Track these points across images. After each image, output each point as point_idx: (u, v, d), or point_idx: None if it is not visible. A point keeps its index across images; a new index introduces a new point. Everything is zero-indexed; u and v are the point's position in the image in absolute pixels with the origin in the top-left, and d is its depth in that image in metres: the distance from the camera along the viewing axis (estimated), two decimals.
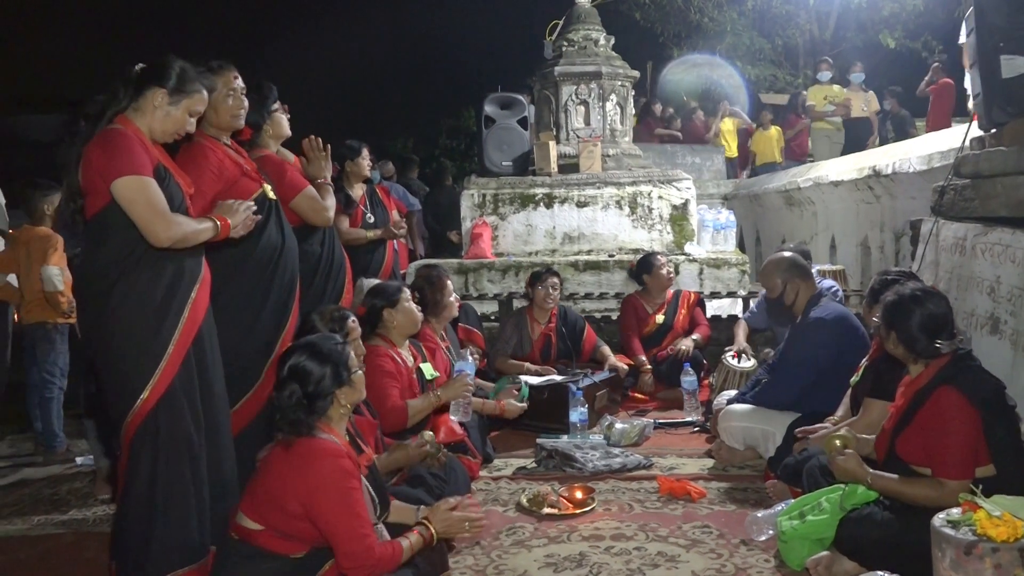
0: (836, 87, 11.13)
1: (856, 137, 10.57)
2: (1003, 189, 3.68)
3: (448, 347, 4.69)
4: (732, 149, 12.39)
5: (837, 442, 2.88)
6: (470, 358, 4.07)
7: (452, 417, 3.93)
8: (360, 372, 2.64)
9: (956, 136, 4.74)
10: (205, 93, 2.85)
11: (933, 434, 2.68)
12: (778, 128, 11.78)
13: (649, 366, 5.62)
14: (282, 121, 3.91)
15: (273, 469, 2.41)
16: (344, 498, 2.36)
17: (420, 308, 4.54)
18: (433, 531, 2.64)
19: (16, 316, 5.17)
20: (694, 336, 5.66)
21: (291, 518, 2.37)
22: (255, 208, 2.96)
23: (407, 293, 3.98)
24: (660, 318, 5.82)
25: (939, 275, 4.10)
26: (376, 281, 4.64)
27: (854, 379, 3.57)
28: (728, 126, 12.48)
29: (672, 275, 5.89)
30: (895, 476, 2.76)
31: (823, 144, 11.02)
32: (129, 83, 2.73)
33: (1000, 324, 3.54)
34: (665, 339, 5.77)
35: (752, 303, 5.99)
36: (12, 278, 4.98)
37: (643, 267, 5.88)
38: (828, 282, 5.06)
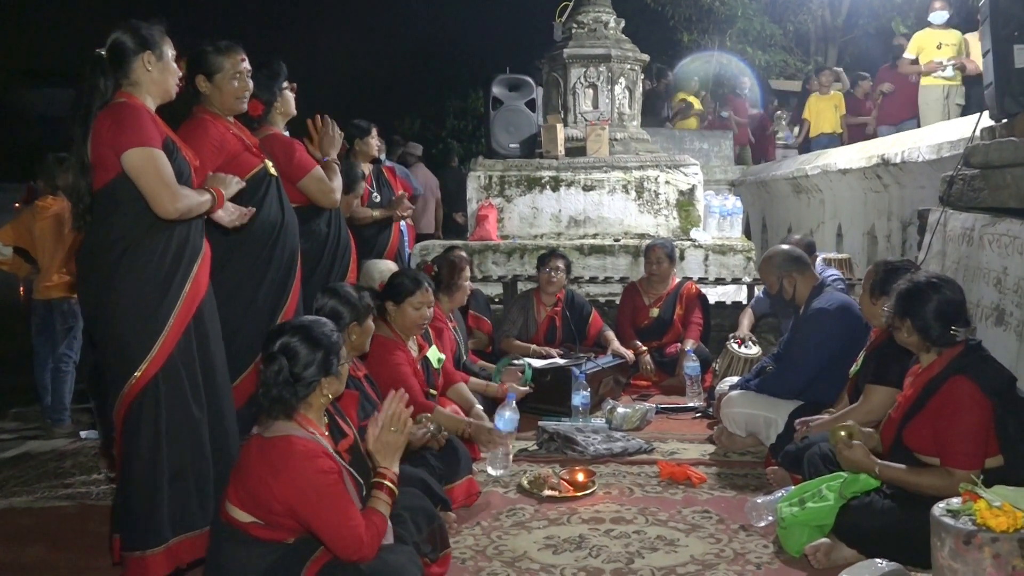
0: (954, 32, 8.03)
1: (980, 101, 7.37)
2: (1013, 180, 3.66)
3: (455, 327, 4.71)
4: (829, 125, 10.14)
5: (843, 433, 2.87)
6: (507, 412, 3.79)
7: (489, 469, 3.82)
8: (347, 364, 2.57)
9: (966, 125, 4.71)
10: (166, 34, 2.82)
11: (944, 423, 2.68)
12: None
13: (645, 348, 5.61)
14: (291, 99, 3.92)
15: (252, 469, 2.36)
16: (326, 497, 2.30)
17: (435, 285, 4.59)
18: (386, 482, 2.48)
19: (21, 290, 5.18)
20: (688, 342, 5.51)
21: (275, 515, 2.34)
22: (245, 185, 2.99)
23: (418, 297, 3.81)
24: (655, 312, 5.78)
25: (946, 265, 4.09)
26: (387, 263, 4.64)
27: (854, 369, 3.57)
28: (834, 100, 10.25)
29: (664, 268, 5.77)
30: (902, 466, 2.76)
31: (934, 106, 8.02)
32: (106, 70, 2.70)
33: (1006, 315, 3.53)
34: (666, 334, 5.74)
35: (757, 290, 5.98)
36: (8, 250, 4.97)
37: (644, 255, 5.90)
38: (831, 272, 5.05)
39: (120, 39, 2.72)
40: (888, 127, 8.77)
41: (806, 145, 10.11)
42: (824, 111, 10.00)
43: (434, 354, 4.03)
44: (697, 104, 12.51)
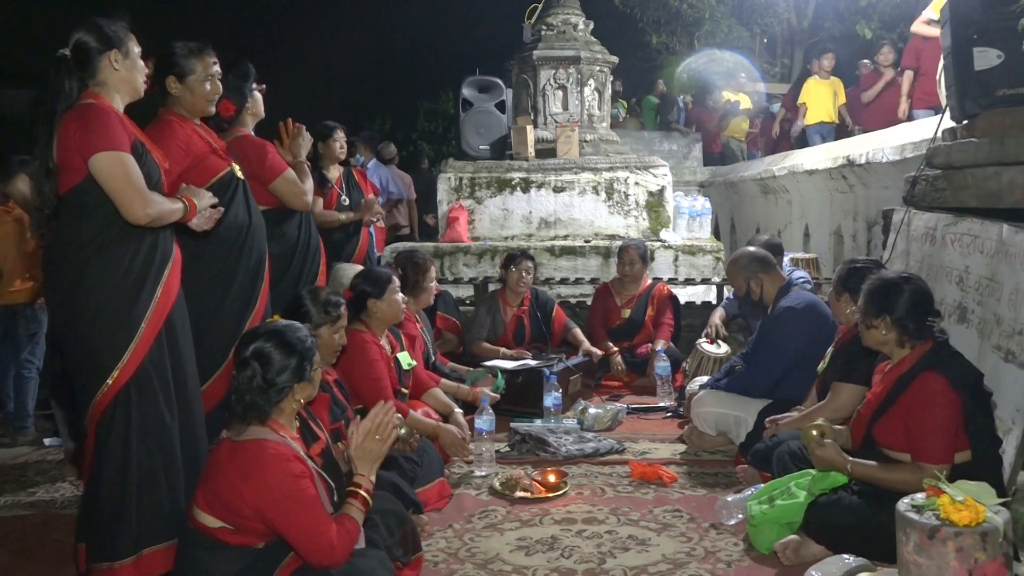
0: None
1: None
2: (973, 180, 3.72)
3: (423, 328, 4.69)
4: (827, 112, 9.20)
5: (815, 432, 2.89)
6: (484, 415, 3.98)
7: (476, 470, 3.94)
8: (319, 370, 2.57)
9: (929, 127, 4.79)
10: (130, 31, 2.75)
11: (915, 419, 2.71)
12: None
13: (616, 349, 5.64)
14: (260, 100, 3.91)
15: (222, 472, 2.34)
16: (296, 501, 2.29)
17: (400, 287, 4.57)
18: (361, 492, 2.48)
19: None
20: (659, 342, 5.53)
21: (245, 519, 2.32)
22: (217, 201, 2.93)
23: (396, 284, 3.90)
24: (627, 313, 5.80)
25: (910, 264, 4.15)
26: (356, 267, 4.61)
27: (821, 366, 3.61)
28: (834, 86, 9.33)
29: (637, 269, 5.80)
30: (874, 463, 2.80)
31: None
32: (71, 71, 2.63)
33: (968, 313, 3.59)
34: (637, 335, 5.76)
35: (727, 290, 6.03)
36: None
37: (617, 255, 5.92)
38: (799, 272, 5.11)
39: (83, 39, 2.64)
40: (925, 111, 7.44)
41: (802, 134, 9.38)
42: (822, 97, 9.17)
43: (405, 358, 4.03)
44: (746, 102, 11.72)
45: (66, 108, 2.61)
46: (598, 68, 8.19)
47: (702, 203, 8.00)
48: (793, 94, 10.27)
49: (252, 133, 3.89)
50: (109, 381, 2.60)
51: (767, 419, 3.71)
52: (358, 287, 3.83)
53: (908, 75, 7.80)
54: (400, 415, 3.53)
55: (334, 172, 5.19)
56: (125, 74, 2.70)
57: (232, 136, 3.69)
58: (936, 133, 4.23)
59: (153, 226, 2.66)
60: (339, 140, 5.15)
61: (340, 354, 3.39)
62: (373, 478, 2.53)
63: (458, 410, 4.15)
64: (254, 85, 3.85)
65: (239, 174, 3.34)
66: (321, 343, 3.14)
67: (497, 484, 3.69)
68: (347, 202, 5.11)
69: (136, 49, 2.74)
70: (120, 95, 2.72)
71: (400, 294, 3.93)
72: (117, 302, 2.62)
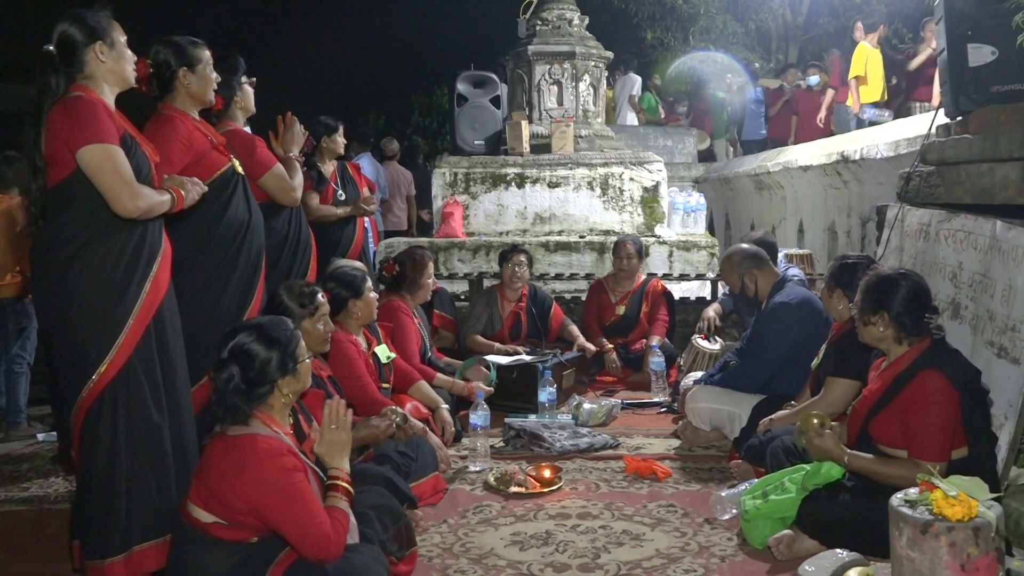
0: None
1: None
2: (967, 176, 3.74)
3: (420, 323, 4.70)
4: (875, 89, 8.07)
5: (815, 420, 2.85)
6: (479, 410, 3.95)
7: (471, 466, 3.92)
8: (308, 361, 2.54)
9: (923, 123, 4.80)
10: (113, 20, 2.72)
11: (913, 416, 2.71)
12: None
13: (611, 346, 5.64)
14: (250, 94, 3.89)
15: (214, 467, 2.33)
16: (289, 496, 2.29)
17: (398, 283, 4.59)
18: (340, 483, 2.47)
19: None
20: (654, 338, 5.55)
21: (238, 514, 2.31)
22: (207, 190, 2.91)
23: (370, 282, 3.93)
24: (621, 309, 5.81)
25: (903, 260, 4.16)
26: (355, 263, 4.61)
27: (815, 362, 3.62)
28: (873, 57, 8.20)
29: (633, 264, 5.80)
30: (871, 456, 2.80)
31: None
32: (56, 67, 2.59)
33: (961, 309, 3.61)
34: (632, 332, 5.76)
35: (721, 286, 6.04)
36: None
37: (613, 251, 5.92)
38: (794, 270, 5.11)
39: (68, 32, 2.60)
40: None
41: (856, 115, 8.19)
42: (875, 69, 8.02)
43: (383, 351, 4.04)
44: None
45: (53, 103, 2.57)
46: (593, 63, 8.19)
47: (697, 199, 8.00)
48: (842, 72, 9.10)
49: (243, 127, 3.88)
50: (95, 378, 2.57)
51: (760, 422, 3.71)
52: (335, 291, 3.79)
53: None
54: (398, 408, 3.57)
55: (329, 167, 5.18)
56: (112, 65, 2.66)
57: (222, 130, 3.68)
58: (930, 129, 4.25)
59: (143, 219, 2.63)
60: (342, 135, 5.18)
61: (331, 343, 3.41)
62: (347, 468, 2.52)
63: (444, 406, 4.16)
64: (243, 79, 3.84)
65: (239, 169, 3.34)
66: (306, 335, 3.14)
67: (491, 479, 3.69)
68: (343, 196, 5.11)
69: (122, 39, 2.70)
70: (109, 86, 2.68)
71: (374, 292, 3.94)
72: (103, 297, 2.58)
